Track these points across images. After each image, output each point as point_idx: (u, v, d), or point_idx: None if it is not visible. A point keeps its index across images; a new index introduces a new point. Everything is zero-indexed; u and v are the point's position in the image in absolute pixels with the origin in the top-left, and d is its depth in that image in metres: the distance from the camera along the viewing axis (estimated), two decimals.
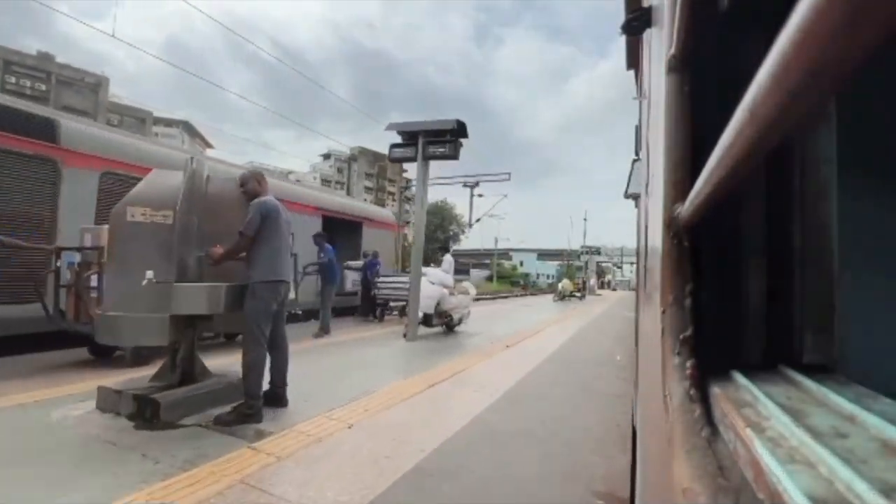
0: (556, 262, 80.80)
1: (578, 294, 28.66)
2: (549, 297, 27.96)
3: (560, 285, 26.77)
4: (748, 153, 0.29)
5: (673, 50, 0.62)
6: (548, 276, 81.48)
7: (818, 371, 0.54)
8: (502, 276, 60.56)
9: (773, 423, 0.41)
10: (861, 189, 0.78)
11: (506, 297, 31.17)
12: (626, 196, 6.09)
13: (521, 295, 37.30)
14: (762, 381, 0.51)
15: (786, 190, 0.59)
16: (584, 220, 48.57)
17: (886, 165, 0.69)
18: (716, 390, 0.52)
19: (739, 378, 0.53)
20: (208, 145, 64.94)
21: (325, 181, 71.91)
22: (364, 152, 71.90)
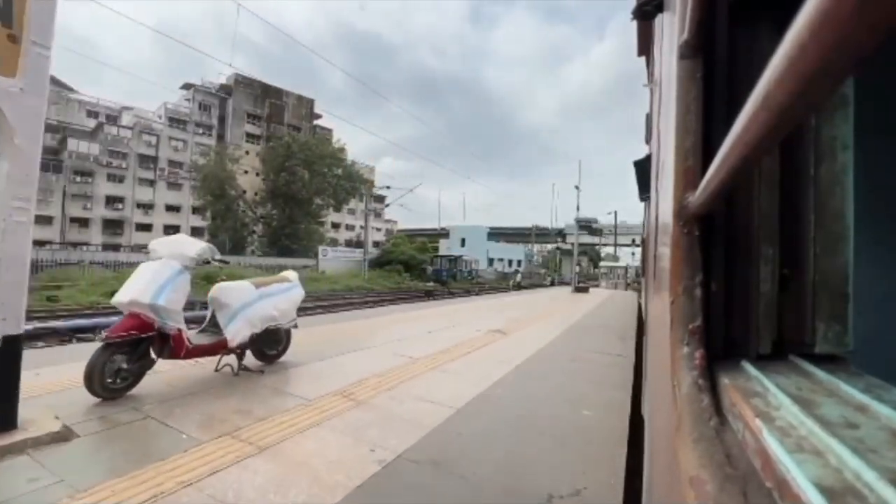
0: (526, 246, 55.60)
1: None
2: None
3: None
4: (761, 140, 0.29)
5: (685, 36, 0.61)
6: (511, 264, 53.93)
7: (830, 361, 0.53)
8: (397, 259, 35.36)
9: (783, 413, 0.40)
10: (881, 176, 0.76)
11: None
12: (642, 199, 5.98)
13: None
14: (772, 372, 0.51)
15: (800, 176, 0.58)
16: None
17: None
18: (725, 380, 0.52)
19: (749, 368, 0.53)
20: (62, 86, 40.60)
21: (179, 122, 44.53)
22: (246, 83, 46.90)
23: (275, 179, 36.58)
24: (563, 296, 18.65)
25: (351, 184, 39.13)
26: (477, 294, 23.77)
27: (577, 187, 25.68)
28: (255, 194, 39.09)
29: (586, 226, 25.10)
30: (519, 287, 31.39)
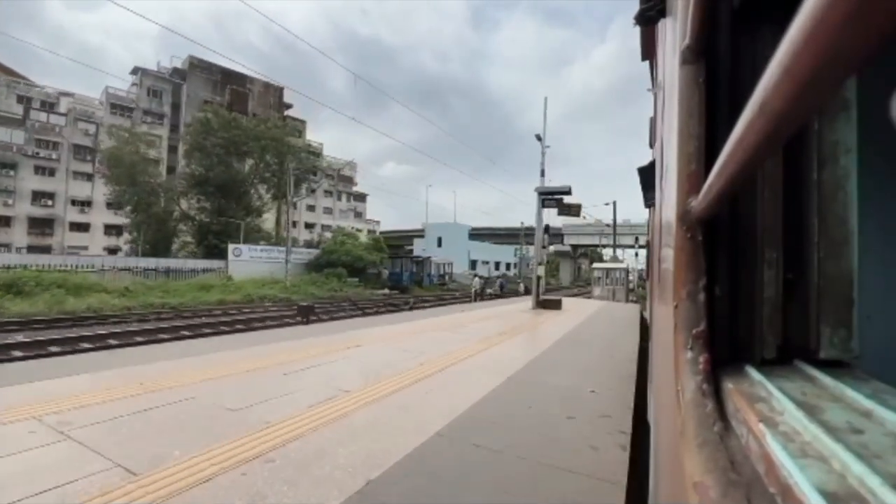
0: (517, 247, 46.10)
1: None
2: None
3: None
4: (760, 146, 0.29)
5: (688, 41, 0.61)
6: (498, 266, 47.70)
7: (836, 366, 0.53)
8: (339, 261, 28.18)
9: (787, 418, 0.40)
10: (884, 179, 0.76)
11: None
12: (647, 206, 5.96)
13: None
14: (777, 377, 0.50)
15: (802, 180, 0.57)
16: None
17: None
18: (729, 385, 0.51)
19: (753, 373, 0.53)
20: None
21: (125, 110, 38.65)
22: (203, 67, 41.22)
23: (197, 165, 29.41)
24: (515, 315, 10.57)
25: (302, 172, 31.49)
26: (410, 309, 16.40)
27: (538, 137, 14.81)
28: (168, 179, 31.30)
29: (556, 199, 13.43)
30: (482, 296, 22.62)
